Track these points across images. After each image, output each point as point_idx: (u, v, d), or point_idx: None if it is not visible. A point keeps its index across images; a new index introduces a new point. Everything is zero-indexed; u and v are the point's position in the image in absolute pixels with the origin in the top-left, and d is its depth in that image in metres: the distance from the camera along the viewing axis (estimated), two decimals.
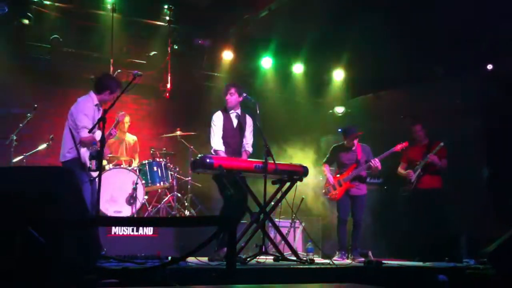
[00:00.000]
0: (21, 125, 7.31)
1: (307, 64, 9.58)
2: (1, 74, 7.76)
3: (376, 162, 6.87)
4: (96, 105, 5.80)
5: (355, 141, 7.09)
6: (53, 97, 8.55)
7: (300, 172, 6.06)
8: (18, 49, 8.10)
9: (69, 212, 3.73)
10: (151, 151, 8.19)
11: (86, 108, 5.70)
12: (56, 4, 7.92)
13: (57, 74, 8.42)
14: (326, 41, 8.72)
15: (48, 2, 7.86)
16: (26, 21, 7.78)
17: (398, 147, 7.03)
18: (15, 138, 7.18)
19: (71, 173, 4.02)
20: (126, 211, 7.07)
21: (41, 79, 8.36)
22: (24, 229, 3.45)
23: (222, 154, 5.92)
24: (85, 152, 5.67)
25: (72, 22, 8.14)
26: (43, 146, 7.56)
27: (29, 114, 7.38)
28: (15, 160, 7.21)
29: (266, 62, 9.42)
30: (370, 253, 6.98)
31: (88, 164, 5.53)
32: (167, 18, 8.53)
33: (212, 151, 6.01)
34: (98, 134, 5.51)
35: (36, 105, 7.42)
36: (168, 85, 8.56)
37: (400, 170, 7.56)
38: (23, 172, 4.26)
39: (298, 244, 7.83)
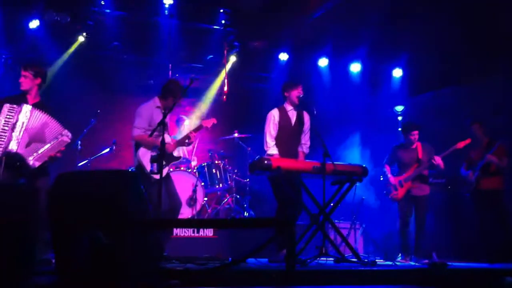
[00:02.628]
0: (85, 130, 7.57)
1: (364, 63, 9.43)
2: (64, 81, 8.06)
3: (438, 160, 6.69)
4: (158, 107, 5.86)
5: (416, 138, 6.92)
6: (114, 103, 8.79)
7: (360, 172, 5.95)
8: (80, 57, 8.38)
9: (132, 214, 3.81)
10: (210, 154, 8.27)
11: (143, 109, 5.82)
12: (116, 12, 8.14)
13: (117, 81, 8.65)
14: (384, 39, 8.55)
15: (108, 11, 8.09)
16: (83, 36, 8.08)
17: (461, 144, 6.79)
18: (79, 143, 7.43)
19: (135, 176, 4.10)
20: (187, 213, 7.18)
21: (103, 86, 8.61)
22: (90, 231, 3.54)
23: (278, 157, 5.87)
24: (142, 155, 5.72)
25: (131, 29, 8.34)
26: (106, 150, 7.79)
27: (92, 120, 7.63)
28: (80, 164, 7.46)
29: (322, 62, 9.35)
30: (434, 255, 6.80)
31: (148, 168, 5.63)
32: (223, 21, 8.60)
33: (266, 154, 5.97)
34: (166, 138, 5.58)
35: (98, 111, 7.65)
36: (225, 88, 8.63)
37: (462, 171, 7.33)
38: (89, 175, 4.38)
39: (359, 246, 7.71)
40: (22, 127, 5.11)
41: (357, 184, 6.07)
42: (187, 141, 5.96)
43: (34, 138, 5.17)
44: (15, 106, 5.12)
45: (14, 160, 5.10)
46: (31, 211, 3.90)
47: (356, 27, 8.26)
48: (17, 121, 5.10)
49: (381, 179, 7.49)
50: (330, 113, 8.73)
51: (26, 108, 5.14)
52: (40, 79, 5.40)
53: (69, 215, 3.76)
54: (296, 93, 6.06)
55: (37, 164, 5.17)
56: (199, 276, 3.98)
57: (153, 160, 5.56)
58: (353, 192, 6.06)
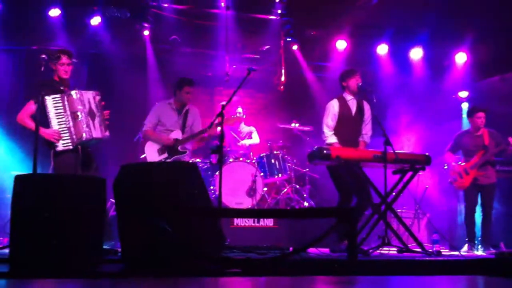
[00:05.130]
0: None
1: (426, 48, 9.15)
2: (125, 76, 8.27)
3: None
4: (169, 104, 6.44)
5: (482, 122, 6.67)
6: (173, 96, 8.92)
7: (422, 161, 5.79)
8: (139, 51, 8.55)
9: (194, 204, 3.86)
10: (268, 144, 8.28)
11: (155, 106, 6.57)
12: (174, 6, 8.25)
13: (176, 73, 8.77)
14: (446, 23, 8.26)
15: (166, 5, 8.21)
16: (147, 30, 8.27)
17: None
18: (141, 136, 7.60)
19: (195, 167, 4.16)
20: (247, 203, 7.23)
21: (162, 79, 8.77)
22: (154, 219, 3.62)
23: (337, 146, 5.79)
24: (147, 148, 6.35)
25: (189, 22, 8.43)
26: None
27: None
28: (142, 156, 7.63)
29: (382, 49, 9.15)
30: (502, 244, 6.56)
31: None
32: (279, 11, 8.55)
33: (325, 144, 5.90)
34: (175, 134, 6.28)
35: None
36: (282, 78, 8.60)
37: None
38: (151, 167, 4.47)
39: (422, 236, 7.53)
40: (82, 112, 5.24)
41: (420, 172, 5.91)
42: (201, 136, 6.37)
43: (92, 117, 5.33)
44: (78, 93, 5.26)
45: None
46: (101, 201, 4.04)
47: (417, 11, 8.02)
48: (75, 109, 5.22)
49: (445, 167, 7.27)
50: (391, 101, 8.56)
51: (76, 94, 5.25)
52: None
53: (133, 205, 3.86)
54: (354, 81, 5.95)
55: (107, 133, 5.45)
56: (260, 265, 3.99)
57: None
58: (416, 181, 5.89)
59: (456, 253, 5.65)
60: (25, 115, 5.23)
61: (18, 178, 3.84)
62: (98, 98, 5.44)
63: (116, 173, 4.06)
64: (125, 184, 3.98)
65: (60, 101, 5.21)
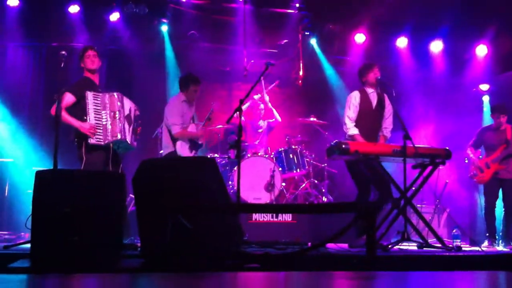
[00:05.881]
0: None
1: (446, 41, 9.03)
2: (143, 71, 8.31)
3: None
4: (184, 101, 6.30)
5: (504, 120, 6.59)
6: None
7: (442, 155, 5.73)
8: (158, 47, 8.58)
9: (213, 199, 3.87)
10: (286, 139, 8.27)
11: (173, 107, 6.30)
12: (192, 1, 8.26)
13: (194, 69, 8.79)
14: (467, 16, 8.14)
15: (184, 0, 8.22)
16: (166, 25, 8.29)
17: None
18: (160, 131, 7.63)
19: (214, 162, 4.16)
20: (265, 198, 7.23)
21: (180, 74, 8.79)
22: (174, 215, 3.64)
23: (359, 139, 5.75)
24: (180, 147, 6.13)
25: (207, 17, 8.44)
26: None
27: None
28: (161, 151, 7.67)
29: (401, 42, 9.05)
30: None
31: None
32: (297, 5, 8.51)
33: (346, 136, 5.88)
34: (191, 128, 6.21)
35: None
36: (301, 72, 8.57)
37: None
38: (170, 162, 4.49)
39: (442, 231, 7.46)
40: (121, 113, 5.33)
41: (440, 166, 5.85)
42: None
43: (128, 122, 5.41)
44: (115, 94, 5.35)
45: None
46: (121, 196, 4.07)
47: (437, 3, 7.92)
48: (115, 108, 5.31)
49: (466, 161, 7.19)
50: (410, 94, 8.47)
51: (117, 95, 5.35)
52: None
53: (152, 200, 3.88)
54: (372, 75, 5.90)
55: (135, 143, 5.55)
56: (278, 260, 3.99)
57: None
58: (436, 175, 5.83)
59: (476, 248, 5.59)
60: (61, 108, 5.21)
61: (38, 174, 3.88)
62: (137, 112, 5.60)
63: (136, 168, 4.09)
64: (144, 180, 4.00)
65: (101, 97, 5.30)
